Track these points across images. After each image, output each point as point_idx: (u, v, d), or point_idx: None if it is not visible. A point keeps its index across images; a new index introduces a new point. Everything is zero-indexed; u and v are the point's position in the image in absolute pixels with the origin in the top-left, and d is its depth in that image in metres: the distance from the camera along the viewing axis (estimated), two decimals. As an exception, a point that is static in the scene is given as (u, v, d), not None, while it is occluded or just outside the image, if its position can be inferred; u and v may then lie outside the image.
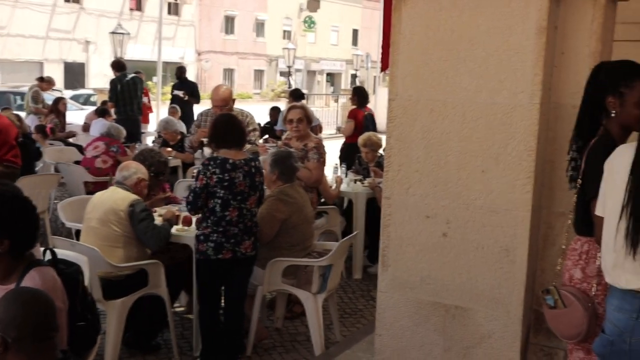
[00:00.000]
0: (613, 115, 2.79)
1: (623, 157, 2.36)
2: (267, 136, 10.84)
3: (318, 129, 11.40)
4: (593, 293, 2.78)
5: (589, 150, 2.80)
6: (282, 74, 45.60)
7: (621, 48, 5.96)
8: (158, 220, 4.76)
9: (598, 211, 2.51)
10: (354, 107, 10.14)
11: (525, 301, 3.50)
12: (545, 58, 3.32)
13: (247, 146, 6.16)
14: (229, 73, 45.36)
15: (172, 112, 11.98)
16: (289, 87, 28.46)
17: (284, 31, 48.31)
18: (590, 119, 2.89)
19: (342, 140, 10.13)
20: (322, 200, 6.70)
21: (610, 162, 2.46)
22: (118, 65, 11.50)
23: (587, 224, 2.76)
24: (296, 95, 11.36)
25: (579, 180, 2.82)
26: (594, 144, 2.79)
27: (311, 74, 51.27)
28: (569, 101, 3.34)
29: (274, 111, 12.01)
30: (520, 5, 3.33)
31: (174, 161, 8.33)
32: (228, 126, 4.54)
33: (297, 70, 46.04)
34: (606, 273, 2.44)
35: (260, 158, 6.40)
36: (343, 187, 6.92)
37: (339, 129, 11.44)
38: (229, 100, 6.08)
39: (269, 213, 4.80)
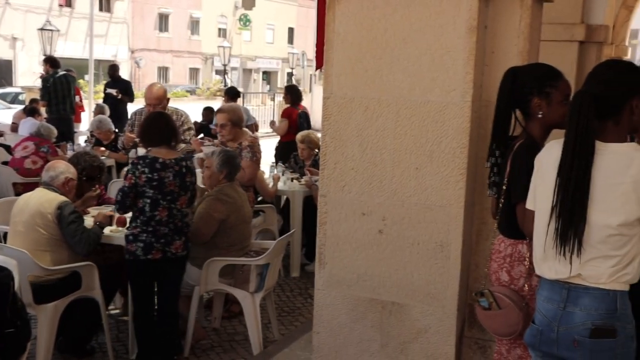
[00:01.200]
0: (540, 116, 2.83)
1: (551, 156, 2.42)
2: (202, 135, 10.73)
3: (254, 127, 11.35)
4: (524, 293, 2.83)
5: (514, 154, 2.82)
6: (217, 72, 45.25)
7: (547, 48, 6.15)
8: (90, 222, 4.66)
9: (529, 205, 2.57)
10: (288, 105, 10.16)
11: (460, 296, 3.56)
12: (476, 57, 3.39)
13: (182, 145, 6.12)
14: (163, 71, 44.74)
15: (99, 111, 11.56)
16: (225, 86, 28.24)
17: (219, 29, 47.98)
18: (507, 125, 2.93)
19: (278, 139, 10.13)
20: (259, 198, 6.69)
21: (539, 159, 2.52)
22: (53, 61, 11.18)
23: (513, 226, 2.82)
24: (232, 93, 11.28)
25: (505, 183, 2.86)
26: (518, 148, 2.81)
27: (247, 72, 51.07)
28: (500, 99, 3.41)
29: (207, 111, 11.89)
30: (451, 4, 3.38)
31: (108, 161, 8.17)
32: (158, 124, 4.47)
33: (233, 69, 45.77)
34: (536, 265, 2.50)
35: (197, 155, 6.36)
36: (280, 185, 6.92)
37: (272, 123, 11.38)
38: (162, 99, 6.01)
39: (207, 213, 4.76)
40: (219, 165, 4.91)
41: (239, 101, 11.53)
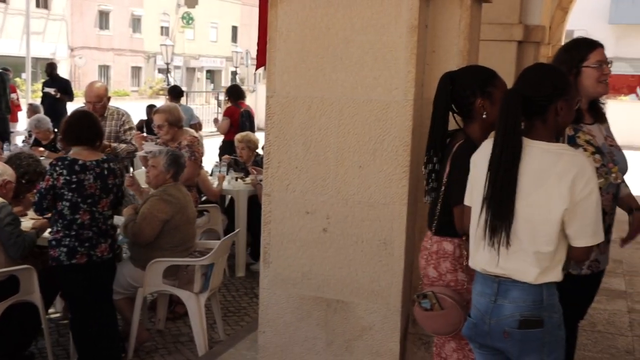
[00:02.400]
0: (484, 116, 2.87)
1: (484, 153, 2.49)
2: (145, 134, 10.57)
3: (198, 126, 11.25)
4: (458, 288, 2.89)
5: (454, 155, 2.86)
6: (160, 70, 44.67)
7: (487, 47, 6.27)
8: (28, 225, 4.55)
9: (466, 201, 2.64)
10: (230, 104, 10.13)
11: (404, 293, 3.59)
12: (418, 56, 3.43)
13: (122, 146, 6.03)
14: (104, 70, 43.91)
15: (32, 111, 11.11)
16: (168, 85, 27.89)
17: (162, 27, 47.35)
18: (446, 129, 2.96)
19: (220, 138, 10.08)
20: (203, 198, 6.64)
21: (474, 158, 2.60)
22: None
23: (441, 224, 2.88)
24: (175, 92, 11.15)
25: (444, 183, 2.89)
26: (458, 149, 2.85)
27: (190, 71, 50.53)
28: (441, 97, 3.45)
29: (151, 109, 11.73)
30: (392, 4, 3.41)
31: (47, 161, 7.96)
32: (81, 123, 4.34)
33: (176, 67, 45.26)
34: (470, 257, 2.57)
35: (138, 154, 6.26)
36: (225, 184, 6.88)
37: (215, 121, 11.28)
38: (103, 97, 5.91)
39: (151, 213, 4.69)
40: (166, 165, 4.85)
41: (183, 100, 11.36)
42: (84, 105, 6.06)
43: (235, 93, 10.15)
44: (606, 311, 5.40)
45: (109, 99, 6.04)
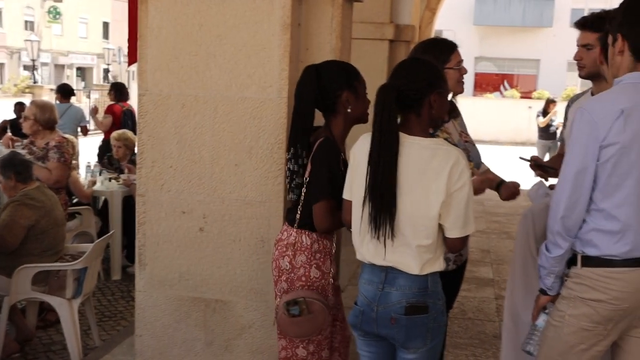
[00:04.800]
0: (349, 111, 2.90)
1: (363, 147, 2.53)
2: (9, 134, 10.03)
3: (85, 130, 10.80)
4: (329, 285, 2.93)
5: (315, 153, 2.86)
6: (26, 67, 42.54)
7: (361, 46, 6.41)
8: None
9: (346, 195, 2.67)
10: (112, 102, 9.82)
11: (282, 289, 3.61)
12: (291, 54, 3.45)
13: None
14: (-37, 66, 41.32)
15: None
16: (34, 82, 26.59)
17: (26, 21, 45.09)
18: (311, 125, 2.93)
19: (101, 137, 9.75)
20: (75, 200, 6.39)
21: (353, 152, 2.63)
22: None
23: (301, 217, 2.90)
24: (64, 91, 10.43)
25: (306, 180, 2.91)
26: (318, 148, 2.85)
27: (59, 68, 48.45)
28: (314, 95, 3.49)
29: (19, 106, 11.13)
30: (265, 1, 3.41)
31: None
32: None
33: (44, 64, 43.26)
34: (356, 250, 2.61)
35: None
36: (97, 185, 6.66)
37: (94, 110, 10.82)
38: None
39: (12, 219, 4.46)
40: (1, 175, 4.60)
41: (73, 100, 10.80)
42: None
43: (118, 91, 9.86)
44: (475, 299, 5.67)
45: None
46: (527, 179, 3.32)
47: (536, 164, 3.53)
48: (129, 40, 5.04)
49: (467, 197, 2.45)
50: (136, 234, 3.71)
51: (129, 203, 6.48)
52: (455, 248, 2.57)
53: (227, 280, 3.63)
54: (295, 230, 2.95)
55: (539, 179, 3.44)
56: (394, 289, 2.50)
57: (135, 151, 7.17)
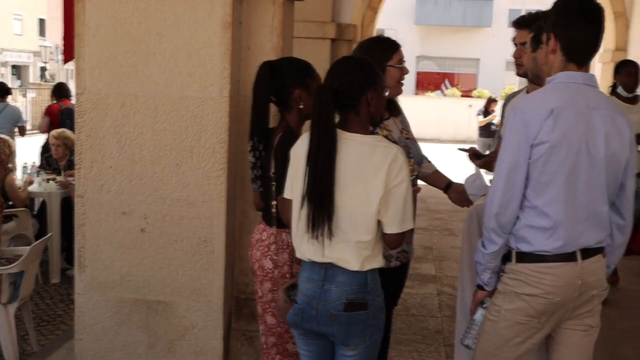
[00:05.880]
0: (301, 107, 2.95)
1: (303, 146, 2.54)
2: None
3: (23, 129, 10.51)
4: (289, 275, 2.95)
5: (277, 147, 2.92)
6: (-44, 65, 41.23)
7: (303, 44, 6.41)
8: None
9: (286, 194, 2.67)
10: (53, 102, 9.62)
11: (226, 289, 3.60)
12: (232, 52, 3.43)
13: None
14: None
15: None
16: (-33, 80, 25.70)
17: (-44, 18, 43.61)
18: (266, 118, 3.02)
19: (40, 137, 9.51)
20: (10, 202, 6.22)
21: (293, 150, 2.63)
22: None
23: (278, 216, 2.93)
24: (0, 90, 10.16)
25: (272, 176, 2.94)
26: (280, 141, 2.91)
27: (-6, 66, 47.03)
28: (257, 94, 3.48)
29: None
30: (205, 0, 3.39)
31: None
32: None
33: (-23, 62, 41.98)
34: (296, 248, 2.62)
35: None
36: (34, 187, 6.49)
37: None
38: None
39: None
40: None
41: (9, 99, 10.45)
42: None
43: (58, 91, 9.65)
44: (418, 295, 5.74)
45: None
46: (469, 173, 3.38)
47: (475, 154, 3.59)
48: (65, 37, 4.93)
49: (405, 194, 2.48)
50: (75, 236, 3.64)
51: (67, 204, 6.34)
52: (394, 244, 2.59)
53: (169, 281, 3.59)
54: (274, 229, 2.98)
55: (475, 169, 3.51)
56: (333, 286, 2.51)
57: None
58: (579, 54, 2.51)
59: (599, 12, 2.50)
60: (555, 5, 2.58)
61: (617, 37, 11.79)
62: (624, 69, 5.87)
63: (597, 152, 2.45)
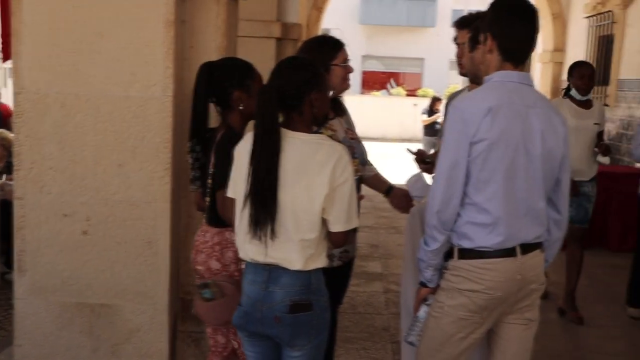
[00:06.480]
0: (241, 108, 2.95)
1: (246, 146, 2.53)
2: None
3: None
4: (237, 278, 2.95)
5: (217, 145, 2.91)
6: None
7: (248, 44, 6.39)
8: None
9: (229, 193, 2.66)
10: None
11: (171, 291, 3.56)
12: (176, 51, 3.40)
13: None
14: None
15: None
16: None
17: None
18: (206, 119, 3.02)
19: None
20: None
21: (237, 150, 2.62)
22: None
23: (219, 215, 2.91)
24: None
25: (211, 174, 2.94)
26: (220, 138, 2.91)
27: None
28: (201, 93, 3.46)
29: None
30: (147, -2, 3.35)
31: None
32: None
33: None
34: (239, 248, 2.61)
35: None
36: (-29, 189, 6.29)
37: None
38: None
39: None
40: None
41: None
42: None
43: None
44: (365, 293, 5.78)
45: None
46: (412, 172, 3.42)
47: (421, 159, 3.63)
48: (2, 35, 4.80)
49: (350, 192, 2.49)
50: (14, 239, 3.55)
51: (5, 207, 6.18)
52: (339, 242, 2.60)
53: (112, 284, 3.54)
54: (216, 229, 2.97)
55: (417, 170, 3.55)
56: (277, 288, 2.50)
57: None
58: (515, 53, 2.57)
59: (533, 12, 2.57)
60: (492, 5, 2.63)
61: (556, 38, 12.11)
62: (577, 71, 5.37)
63: (534, 149, 2.51)
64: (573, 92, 5.34)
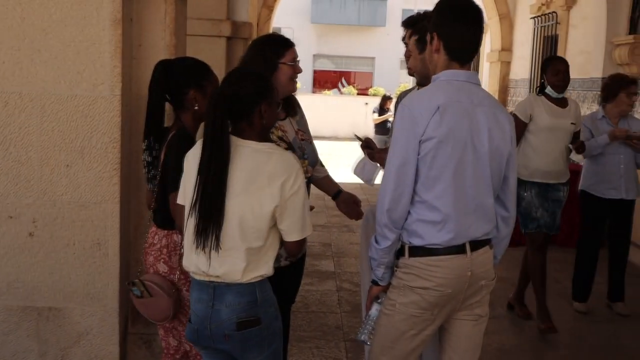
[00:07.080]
0: (196, 108, 2.92)
1: (196, 154, 2.50)
2: None
3: None
4: (176, 280, 2.93)
5: (167, 145, 2.88)
6: None
7: (198, 42, 6.34)
8: None
9: (180, 200, 2.62)
10: None
11: (121, 293, 3.51)
12: (123, 50, 3.35)
13: None
14: None
15: None
16: None
17: None
18: (161, 118, 2.98)
19: None
20: None
21: (187, 157, 2.58)
22: None
23: (167, 217, 2.87)
24: None
25: (159, 173, 2.91)
26: (172, 139, 2.88)
27: None
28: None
29: None
30: (93, -5, 3.29)
31: None
32: None
33: None
34: (185, 256, 2.57)
35: None
36: None
37: None
38: None
39: None
40: None
41: None
42: None
43: None
44: (318, 292, 5.79)
45: None
46: (358, 157, 3.43)
47: (366, 145, 3.61)
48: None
49: (302, 201, 2.48)
50: (-43, 243, 3.46)
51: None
52: (294, 251, 2.60)
53: (60, 287, 3.47)
54: (164, 231, 2.93)
55: (363, 155, 3.55)
56: (223, 306, 2.47)
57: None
58: (461, 52, 2.60)
59: (477, 12, 2.60)
60: (437, 6, 2.66)
61: (503, 38, 12.33)
62: (551, 67, 5.04)
63: (481, 147, 2.55)
64: (548, 89, 5.05)
